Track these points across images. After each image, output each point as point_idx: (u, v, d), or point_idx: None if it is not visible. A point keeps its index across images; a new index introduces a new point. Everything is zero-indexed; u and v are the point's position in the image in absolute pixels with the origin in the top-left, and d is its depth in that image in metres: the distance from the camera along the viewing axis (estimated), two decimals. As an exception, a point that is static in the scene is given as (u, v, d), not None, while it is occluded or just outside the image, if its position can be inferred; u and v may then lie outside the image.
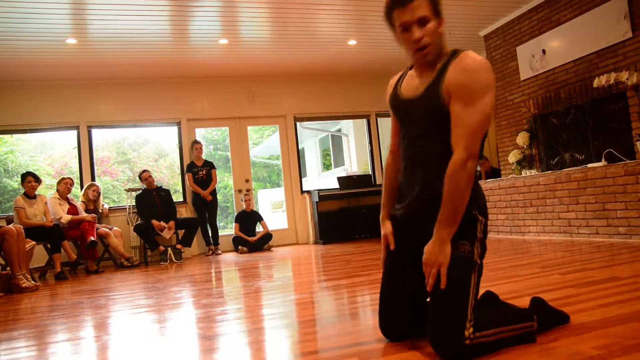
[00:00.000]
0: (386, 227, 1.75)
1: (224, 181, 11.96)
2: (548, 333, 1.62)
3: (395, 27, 1.51)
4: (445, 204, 1.43)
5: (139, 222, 6.32)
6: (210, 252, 6.69)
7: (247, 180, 7.44)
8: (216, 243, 6.75)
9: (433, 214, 1.50)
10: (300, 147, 8.06)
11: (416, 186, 1.59)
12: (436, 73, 1.53)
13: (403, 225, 1.69)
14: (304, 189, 7.61)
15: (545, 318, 1.69)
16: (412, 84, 1.62)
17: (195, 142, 6.92)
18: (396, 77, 1.75)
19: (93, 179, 6.69)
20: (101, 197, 6.45)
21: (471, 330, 1.45)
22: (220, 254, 6.70)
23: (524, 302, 2.03)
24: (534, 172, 5.30)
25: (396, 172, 1.74)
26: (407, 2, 1.45)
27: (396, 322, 1.68)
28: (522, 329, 1.58)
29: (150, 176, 6.47)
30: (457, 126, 1.43)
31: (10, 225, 4.54)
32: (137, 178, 6.70)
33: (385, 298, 1.71)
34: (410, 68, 1.70)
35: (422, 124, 1.58)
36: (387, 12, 1.52)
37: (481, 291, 1.86)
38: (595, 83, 4.58)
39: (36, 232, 5.09)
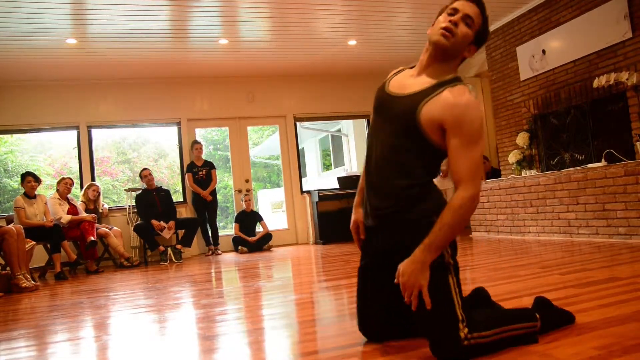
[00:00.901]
0: (357, 214, 1.77)
1: (224, 181, 11.96)
2: (548, 333, 1.62)
3: (446, 8, 1.59)
4: (442, 231, 1.42)
5: (138, 222, 6.32)
6: (210, 252, 6.70)
7: (247, 181, 7.44)
8: (216, 243, 6.76)
9: (398, 223, 1.54)
10: (300, 147, 8.06)
11: (376, 194, 1.59)
12: (431, 85, 1.54)
13: (372, 233, 1.69)
14: (303, 189, 7.61)
15: (549, 318, 1.66)
16: (404, 82, 1.63)
17: (195, 142, 6.92)
18: (393, 72, 1.75)
19: (93, 179, 6.69)
20: (101, 197, 6.46)
21: (466, 330, 1.44)
22: (220, 254, 6.70)
23: (524, 303, 2.04)
24: (533, 172, 5.30)
25: None
26: (474, 3, 1.57)
27: (374, 323, 1.69)
28: (523, 329, 1.56)
29: (150, 174, 6.48)
30: (461, 160, 1.44)
31: (10, 225, 4.54)
32: (137, 178, 6.71)
33: (362, 301, 1.72)
34: (411, 67, 1.71)
35: (393, 124, 1.58)
36: None
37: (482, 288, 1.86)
38: (595, 83, 4.58)
39: (36, 232, 5.09)
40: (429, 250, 1.42)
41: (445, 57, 1.56)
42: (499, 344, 1.50)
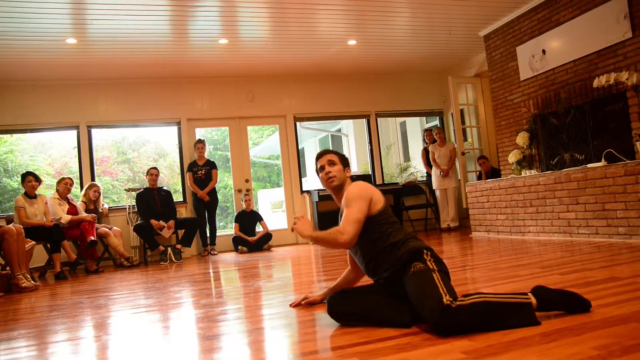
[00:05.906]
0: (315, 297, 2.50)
1: (224, 181, 11.95)
2: (548, 333, 1.62)
3: (318, 169, 2.31)
4: (321, 236, 2.11)
5: (138, 222, 6.32)
6: (206, 252, 6.68)
7: (247, 180, 7.44)
8: (213, 243, 6.74)
9: (397, 275, 2.02)
10: (300, 147, 8.06)
11: (381, 267, 2.14)
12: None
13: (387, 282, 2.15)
14: (303, 189, 7.60)
15: (547, 295, 1.81)
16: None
17: (198, 141, 6.92)
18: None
19: (93, 178, 6.69)
20: (101, 197, 6.46)
21: (449, 297, 1.72)
22: (216, 254, 6.68)
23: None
24: (533, 172, 5.30)
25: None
26: (323, 155, 2.32)
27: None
28: (511, 297, 1.77)
29: (157, 175, 6.49)
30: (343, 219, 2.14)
31: (10, 225, 4.54)
32: (137, 178, 6.70)
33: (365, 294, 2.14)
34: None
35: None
36: (315, 160, 2.35)
37: (486, 291, 1.86)
38: (595, 83, 4.58)
39: (36, 232, 5.09)
40: (314, 234, 2.11)
41: (340, 189, 2.28)
42: (484, 305, 1.70)
